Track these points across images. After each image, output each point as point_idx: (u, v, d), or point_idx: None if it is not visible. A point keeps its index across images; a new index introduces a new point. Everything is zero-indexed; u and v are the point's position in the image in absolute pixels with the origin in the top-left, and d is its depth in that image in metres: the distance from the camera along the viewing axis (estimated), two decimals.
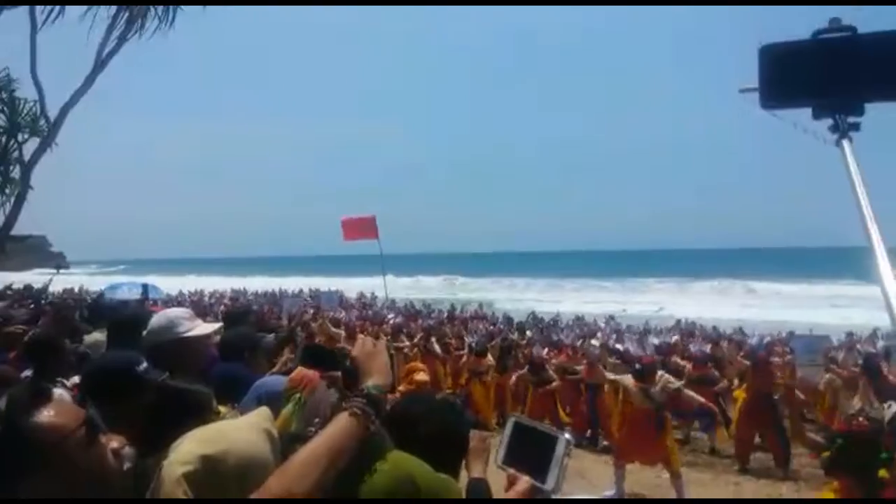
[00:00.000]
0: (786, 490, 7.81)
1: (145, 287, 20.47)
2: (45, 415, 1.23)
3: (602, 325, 15.72)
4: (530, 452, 1.40)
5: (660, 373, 7.79)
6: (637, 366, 8.02)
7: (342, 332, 11.33)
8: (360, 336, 1.54)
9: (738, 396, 9.34)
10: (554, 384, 9.98)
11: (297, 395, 2.52)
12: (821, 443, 4.97)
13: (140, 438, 1.47)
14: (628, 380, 7.79)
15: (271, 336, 4.40)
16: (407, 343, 11.68)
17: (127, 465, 1.32)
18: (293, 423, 2.41)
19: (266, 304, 17.94)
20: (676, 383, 7.74)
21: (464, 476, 1.89)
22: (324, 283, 30.61)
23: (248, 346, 3.54)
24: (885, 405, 4.91)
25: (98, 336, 4.32)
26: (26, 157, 12.72)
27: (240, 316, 5.80)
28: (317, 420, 2.08)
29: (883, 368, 8.02)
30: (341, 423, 1.25)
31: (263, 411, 1.52)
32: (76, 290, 20.74)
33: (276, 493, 1.14)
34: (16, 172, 12.87)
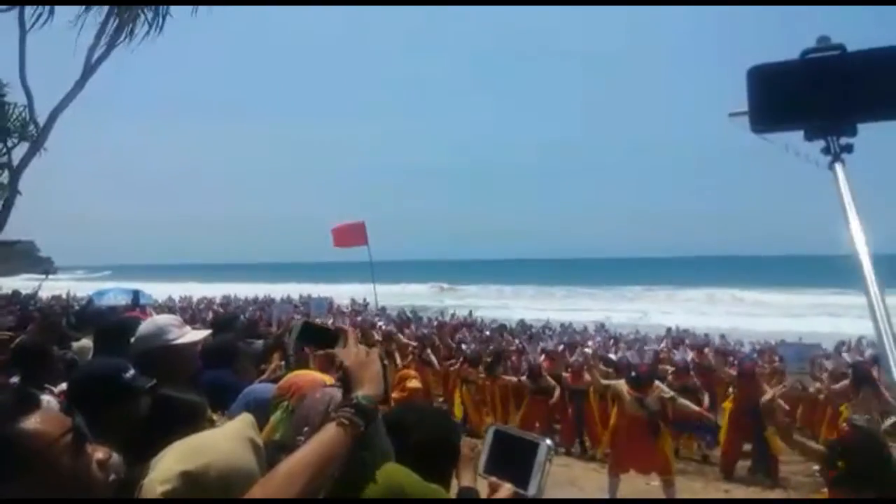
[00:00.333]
0: (776, 497, 7.87)
1: (136, 293, 20.30)
2: (30, 421, 1.22)
3: (593, 332, 15.71)
4: (512, 460, 1.40)
5: (655, 382, 7.81)
6: (633, 374, 8.03)
7: None
8: (351, 342, 1.47)
9: (726, 407, 9.38)
10: (556, 394, 9.97)
11: (286, 403, 2.51)
12: (810, 446, 5.02)
13: (128, 446, 1.46)
14: (622, 386, 7.80)
15: (259, 342, 4.37)
16: (408, 342, 11.69)
17: (112, 477, 1.31)
18: (280, 430, 2.40)
19: (255, 310, 17.83)
20: (670, 392, 7.76)
21: (454, 485, 1.88)
22: (313, 290, 30.46)
23: (230, 353, 3.51)
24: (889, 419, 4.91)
25: (86, 342, 4.29)
26: (15, 162, 12.64)
27: (227, 323, 5.76)
28: (306, 429, 2.07)
29: (874, 374, 8.09)
30: (328, 433, 1.23)
31: (246, 419, 1.48)
32: (63, 295, 20.53)
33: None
34: (4, 177, 12.83)
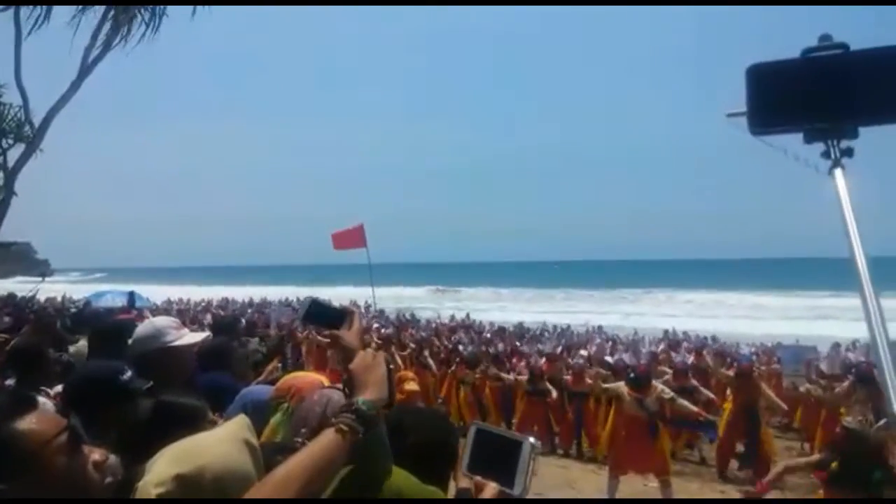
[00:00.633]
0: (771, 497, 7.88)
1: (131, 295, 20.24)
2: (26, 422, 1.22)
3: (595, 335, 15.73)
4: (496, 459, 1.39)
5: (654, 383, 7.82)
6: (631, 375, 8.05)
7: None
8: (356, 324, 1.45)
9: (725, 408, 9.40)
10: (554, 396, 9.97)
11: (286, 405, 2.51)
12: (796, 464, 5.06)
13: (127, 448, 1.45)
14: (622, 388, 7.82)
15: (255, 340, 4.38)
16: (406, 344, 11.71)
17: (109, 480, 1.30)
18: (281, 432, 2.40)
19: (253, 312, 17.80)
20: (670, 393, 7.78)
21: (452, 486, 1.88)
22: (311, 293, 30.33)
23: (226, 355, 3.50)
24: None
25: (85, 344, 4.28)
26: (10, 164, 12.61)
27: (228, 325, 5.75)
28: (303, 430, 2.07)
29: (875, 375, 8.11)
30: (326, 439, 1.21)
31: (242, 420, 1.47)
32: (58, 298, 20.44)
33: None
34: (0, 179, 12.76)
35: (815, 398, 9.25)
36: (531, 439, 1.39)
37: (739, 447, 9.02)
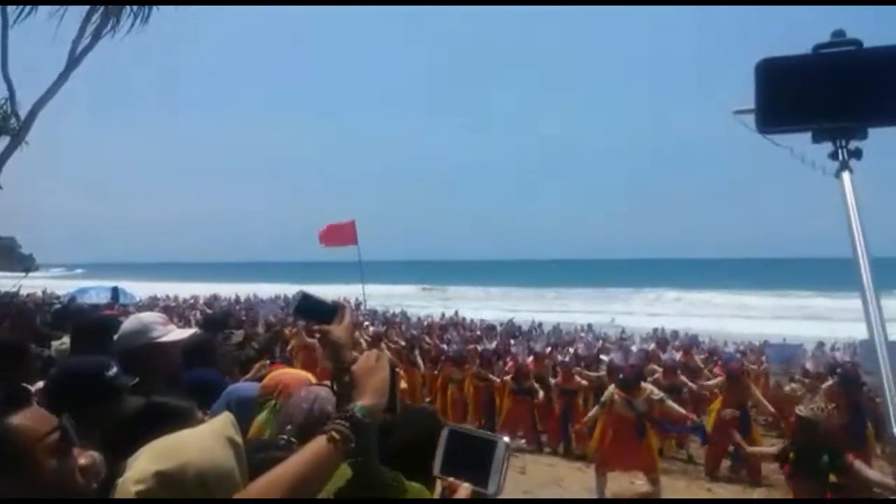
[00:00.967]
0: (757, 495, 7.96)
1: (115, 290, 20.06)
2: (18, 417, 1.20)
3: (582, 334, 15.78)
4: (469, 459, 1.38)
5: (643, 384, 7.85)
6: (621, 375, 8.08)
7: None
8: (347, 319, 1.40)
9: (713, 408, 9.46)
10: (541, 396, 9.99)
11: (273, 402, 2.49)
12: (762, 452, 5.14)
13: (112, 447, 1.43)
14: (611, 388, 7.86)
15: (240, 332, 4.36)
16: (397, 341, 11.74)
17: (94, 486, 1.28)
18: (267, 430, 2.38)
19: (241, 309, 17.70)
20: (659, 394, 7.82)
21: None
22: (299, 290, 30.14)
23: (211, 351, 3.47)
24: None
25: (67, 341, 4.23)
26: None
27: (219, 322, 5.69)
28: (289, 427, 2.05)
29: (862, 377, 8.25)
30: (317, 446, 1.17)
31: (226, 418, 1.44)
32: (39, 293, 20.22)
33: None
34: None
35: (798, 397, 9.34)
36: (505, 438, 1.38)
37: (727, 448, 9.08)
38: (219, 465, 1.26)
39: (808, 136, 1.34)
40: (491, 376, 10.69)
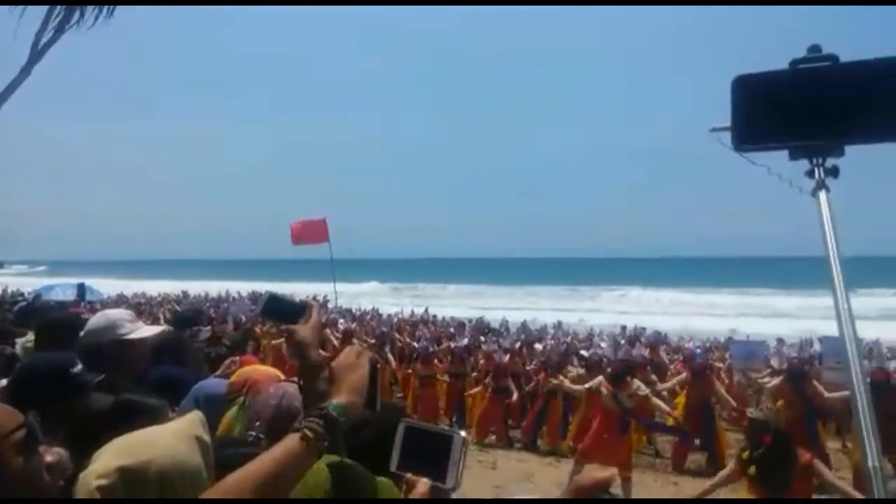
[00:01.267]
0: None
1: (81, 287, 19.63)
2: None
3: (551, 330, 15.93)
4: (426, 454, 1.40)
5: (634, 380, 7.97)
6: (609, 369, 8.18)
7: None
8: (315, 317, 1.40)
9: (679, 402, 9.67)
10: (514, 398, 10.07)
11: (241, 399, 2.48)
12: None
13: (78, 444, 1.42)
14: (599, 378, 7.98)
15: (207, 329, 4.34)
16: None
17: (61, 483, 1.27)
18: (236, 427, 2.38)
19: (209, 307, 17.46)
20: (646, 390, 7.94)
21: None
22: (270, 289, 29.87)
23: (178, 348, 3.45)
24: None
25: (32, 339, 4.14)
26: None
27: (189, 319, 5.62)
28: (257, 423, 2.05)
29: (810, 374, 8.52)
30: (289, 444, 1.13)
31: (195, 416, 1.43)
32: (0, 291, 19.68)
33: None
34: None
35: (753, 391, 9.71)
36: (462, 433, 1.41)
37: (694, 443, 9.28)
38: (183, 464, 1.26)
39: (785, 152, 1.32)
40: (463, 372, 10.77)
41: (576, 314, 30.50)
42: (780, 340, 12.89)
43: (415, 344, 12.17)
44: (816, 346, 12.05)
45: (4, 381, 2.55)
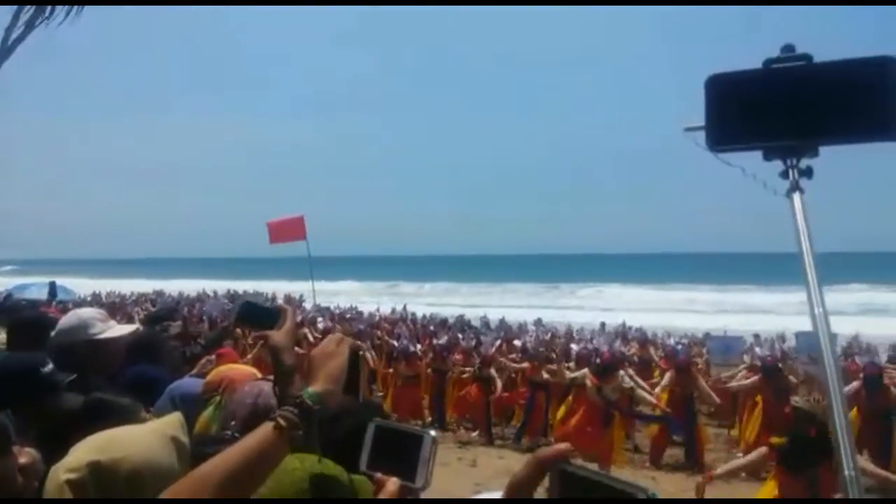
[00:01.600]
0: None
1: (52, 286, 19.29)
2: None
3: (532, 327, 15.98)
4: (395, 454, 1.40)
5: (620, 373, 8.02)
6: (598, 362, 8.23)
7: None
8: (290, 322, 1.40)
9: (661, 397, 9.77)
10: (499, 391, 10.12)
11: (217, 398, 2.46)
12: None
13: (50, 443, 1.39)
14: (584, 370, 8.03)
15: (177, 324, 4.31)
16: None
17: (35, 485, 1.25)
18: (213, 426, 2.36)
19: (185, 306, 17.26)
20: (630, 383, 8.00)
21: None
22: (244, 287, 29.73)
23: (153, 347, 3.41)
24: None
25: (3, 338, 4.07)
26: None
27: (163, 318, 5.55)
28: (233, 422, 2.03)
29: (780, 367, 8.73)
30: (261, 433, 1.10)
31: (173, 418, 1.42)
32: None
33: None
34: None
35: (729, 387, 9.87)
36: (432, 433, 1.41)
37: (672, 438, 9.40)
38: (155, 463, 1.25)
39: (759, 153, 1.31)
40: (445, 368, 10.81)
41: (556, 311, 30.69)
42: (757, 336, 13.09)
43: (394, 342, 12.14)
44: (791, 342, 12.25)
45: None
